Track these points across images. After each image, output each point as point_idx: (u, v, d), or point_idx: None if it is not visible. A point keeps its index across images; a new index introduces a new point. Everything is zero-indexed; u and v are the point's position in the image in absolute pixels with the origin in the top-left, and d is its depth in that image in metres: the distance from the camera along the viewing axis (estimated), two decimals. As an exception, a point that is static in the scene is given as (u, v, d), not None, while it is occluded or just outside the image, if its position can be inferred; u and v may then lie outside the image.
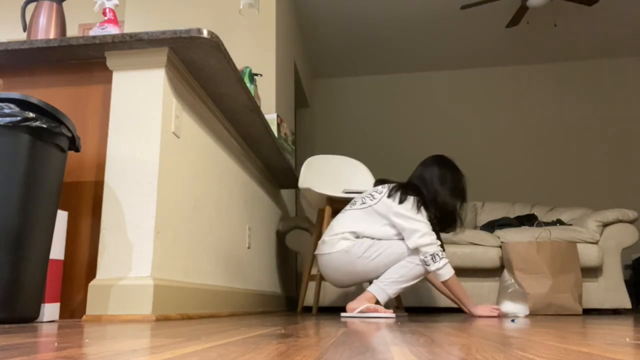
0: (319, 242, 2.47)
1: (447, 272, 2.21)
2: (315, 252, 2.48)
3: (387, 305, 2.43)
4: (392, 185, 2.39)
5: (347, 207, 2.48)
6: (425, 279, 2.68)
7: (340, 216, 2.46)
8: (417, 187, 2.36)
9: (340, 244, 2.34)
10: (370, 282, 2.42)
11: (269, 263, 3.37)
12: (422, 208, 2.28)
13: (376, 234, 2.32)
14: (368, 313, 2.22)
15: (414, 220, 2.24)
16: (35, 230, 1.32)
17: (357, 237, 2.35)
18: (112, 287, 1.59)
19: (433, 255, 2.20)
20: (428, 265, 2.22)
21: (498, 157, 6.03)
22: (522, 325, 1.48)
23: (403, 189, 2.33)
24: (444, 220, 2.37)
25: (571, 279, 3.06)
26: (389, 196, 2.32)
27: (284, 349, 0.68)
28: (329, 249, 2.38)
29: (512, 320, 1.84)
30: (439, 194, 2.34)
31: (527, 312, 2.47)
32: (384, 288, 2.27)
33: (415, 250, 2.25)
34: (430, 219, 2.30)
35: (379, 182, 2.53)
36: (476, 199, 5.93)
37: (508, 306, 2.44)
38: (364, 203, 2.40)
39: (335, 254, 2.35)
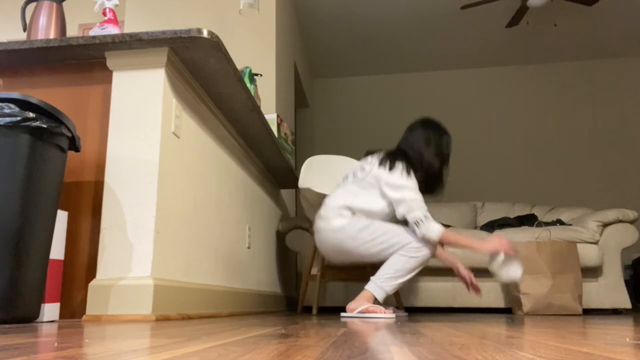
0: (316, 216, 2.47)
1: (434, 234, 2.19)
2: (313, 228, 2.47)
3: (387, 305, 2.43)
4: (381, 154, 2.41)
5: (340, 182, 2.48)
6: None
7: (334, 192, 2.47)
8: (404, 152, 2.37)
9: (335, 222, 2.35)
10: (367, 267, 2.42)
11: (269, 263, 3.37)
12: (411, 172, 2.29)
13: (370, 206, 2.32)
14: (368, 314, 2.22)
15: (401, 189, 2.24)
16: (35, 230, 1.32)
17: (353, 213, 2.34)
18: (112, 287, 1.59)
19: (416, 222, 2.21)
20: (417, 234, 2.23)
21: (498, 157, 6.03)
22: (522, 325, 1.48)
23: (392, 156, 2.34)
24: (429, 182, 2.38)
25: (571, 279, 3.06)
26: (380, 165, 2.34)
27: (284, 349, 0.68)
28: (325, 224, 2.38)
29: (512, 321, 1.84)
30: (424, 155, 2.35)
31: (521, 270, 2.33)
32: (380, 285, 2.27)
33: (407, 242, 2.25)
34: (418, 182, 2.32)
35: (367, 153, 2.54)
36: (476, 199, 5.92)
37: (505, 273, 2.32)
38: (355, 176, 2.42)
39: (331, 231, 2.35)
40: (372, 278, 2.32)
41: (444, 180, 2.43)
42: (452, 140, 2.45)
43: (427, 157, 2.35)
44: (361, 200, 2.34)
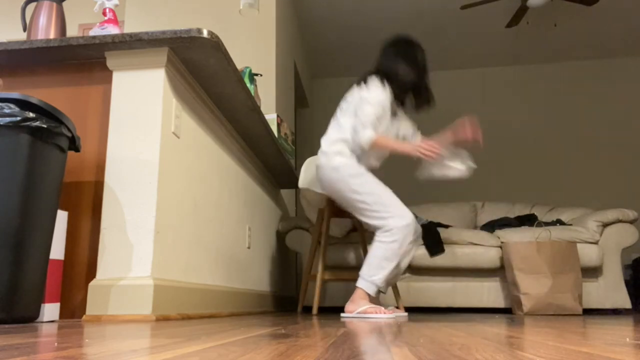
0: (319, 151, 2.53)
1: (364, 141, 2.28)
2: (316, 163, 2.53)
3: (386, 305, 2.43)
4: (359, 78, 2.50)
5: (332, 119, 2.56)
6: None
7: (328, 128, 2.54)
8: (379, 69, 2.44)
9: (335, 160, 2.40)
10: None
11: (269, 263, 3.37)
12: (385, 82, 2.37)
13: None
14: (367, 314, 2.22)
15: (361, 106, 2.32)
16: (35, 230, 1.32)
17: (351, 148, 2.40)
18: (112, 287, 1.59)
19: (355, 130, 2.32)
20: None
21: (498, 157, 6.03)
22: (522, 325, 1.48)
23: (367, 74, 2.42)
24: (417, 97, 2.46)
25: (571, 279, 3.06)
26: (357, 85, 2.42)
27: (284, 349, 0.68)
28: (325, 161, 2.44)
29: (512, 321, 1.84)
30: (399, 69, 2.41)
31: (463, 164, 2.29)
32: (370, 280, 2.29)
33: (384, 218, 2.30)
34: (396, 95, 2.40)
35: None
36: (476, 199, 5.92)
37: (439, 170, 2.31)
38: (341, 109, 2.49)
39: (329, 169, 2.42)
40: (360, 274, 2.33)
41: (430, 90, 2.51)
42: (424, 51, 2.51)
43: (401, 70, 2.41)
44: (350, 133, 2.41)
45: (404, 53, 2.44)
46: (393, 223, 2.28)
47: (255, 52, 3.81)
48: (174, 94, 1.83)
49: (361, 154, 2.43)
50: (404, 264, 2.46)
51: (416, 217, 3.88)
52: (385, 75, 2.40)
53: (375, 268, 2.28)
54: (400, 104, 2.51)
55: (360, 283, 2.30)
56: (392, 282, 2.51)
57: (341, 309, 3.41)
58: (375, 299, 2.48)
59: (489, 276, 3.41)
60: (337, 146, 2.41)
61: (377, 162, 2.54)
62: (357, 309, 2.25)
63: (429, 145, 2.23)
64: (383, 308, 2.26)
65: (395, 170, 6.09)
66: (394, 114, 2.49)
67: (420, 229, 2.47)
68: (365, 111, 2.31)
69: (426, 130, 6.18)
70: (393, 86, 2.39)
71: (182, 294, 1.80)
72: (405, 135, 2.62)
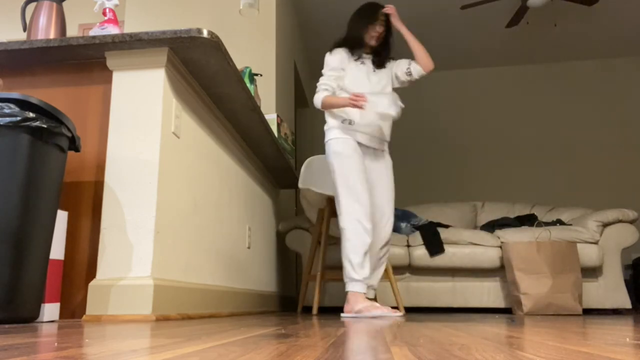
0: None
1: (317, 103, 2.49)
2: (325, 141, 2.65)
3: (384, 304, 2.44)
4: None
5: None
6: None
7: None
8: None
9: (330, 133, 2.53)
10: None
11: (269, 263, 3.37)
12: (335, 49, 2.56)
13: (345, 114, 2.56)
14: (367, 313, 2.23)
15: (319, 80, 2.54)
16: (35, 230, 1.32)
17: (342, 120, 2.51)
18: (112, 287, 1.59)
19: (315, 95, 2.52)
20: None
21: (498, 157, 6.03)
22: (522, 325, 1.48)
23: None
24: (376, 52, 2.62)
25: (571, 279, 3.06)
26: None
27: (284, 349, 0.68)
28: (326, 138, 2.56)
29: (513, 321, 1.84)
30: (350, 23, 2.61)
31: (391, 106, 2.45)
32: (350, 279, 2.34)
33: (339, 221, 2.44)
34: (352, 50, 2.55)
35: None
36: (476, 199, 5.92)
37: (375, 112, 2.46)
38: None
39: (327, 145, 2.54)
40: (344, 280, 2.39)
41: (389, 50, 2.67)
42: (373, 6, 2.66)
43: (351, 23, 2.60)
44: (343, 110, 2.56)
45: (358, 14, 2.62)
46: (344, 218, 2.39)
47: (255, 52, 3.81)
48: (174, 94, 1.83)
49: (358, 121, 2.50)
50: (378, 251, 2.56)
51: (416, 217, 3.88)
52: (343, 40, 2.60)
53: (348, 266, 2.35)
54: (381, 63, 2.65)
55: (347, 287, 2.37)
56: (373, 267, 2.55)
57: (341, 309, 3.41)
58: (372, 298, 2.49)
59: (489, 276, 3.41)
60: (333, 122, 2.52)
61: (366, 129, 2.55)
62: (355, 308, 2.26)
63: (356, 97, 2.36)
64: (378, 305, 2.27)
65: (396, 171, 6.09)
66: (379, 65, 2.62)
67: (389, 215, 2.57)
68: (319, 82, 2.53)
69: (424, 129, 6.20)
70: (347, 45, 2.57)
71: (182, 294, 1.80)
72: (404, 79, 2.71)
